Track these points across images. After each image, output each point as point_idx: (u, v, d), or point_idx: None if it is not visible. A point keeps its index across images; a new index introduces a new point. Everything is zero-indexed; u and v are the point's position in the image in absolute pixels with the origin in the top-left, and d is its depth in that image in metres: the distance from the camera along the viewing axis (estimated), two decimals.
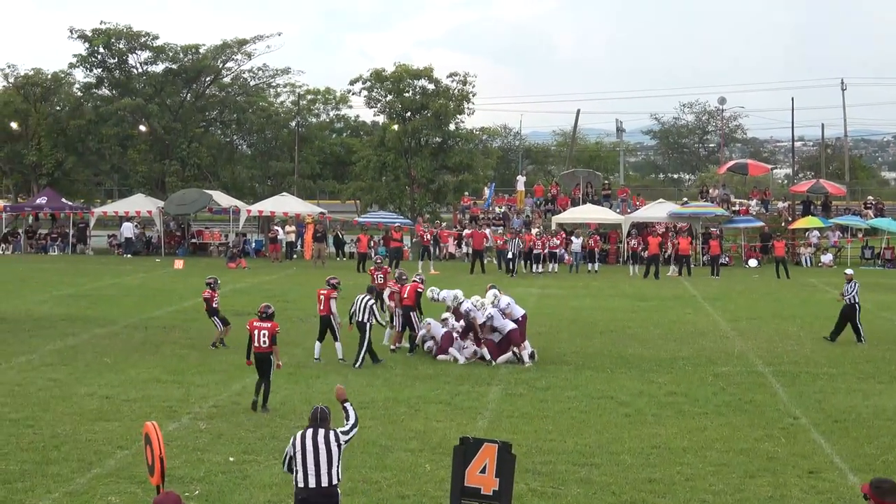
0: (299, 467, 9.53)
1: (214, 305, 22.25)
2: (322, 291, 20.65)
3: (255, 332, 16.32)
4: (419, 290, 22.32)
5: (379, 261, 24.86)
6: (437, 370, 19.76)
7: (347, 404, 10.33)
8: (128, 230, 50.59)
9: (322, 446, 9.57)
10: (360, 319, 20.15)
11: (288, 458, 9.73)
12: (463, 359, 20.62)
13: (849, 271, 25.01)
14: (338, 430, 9.82)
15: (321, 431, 9.70)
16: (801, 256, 47.52)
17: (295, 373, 18.93)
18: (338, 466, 9.60)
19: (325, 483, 9.49)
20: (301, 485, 9.52)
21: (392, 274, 25.28)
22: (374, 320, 20.18)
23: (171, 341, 22.91)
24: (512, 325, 20.76)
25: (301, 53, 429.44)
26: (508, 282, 35.08)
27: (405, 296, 22.11)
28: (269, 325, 16.35)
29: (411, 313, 22.03)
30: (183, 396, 17.25)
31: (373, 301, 20.33)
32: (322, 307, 20.48)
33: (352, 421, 10.11)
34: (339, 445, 9.67)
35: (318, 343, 20.68)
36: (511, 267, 40.11)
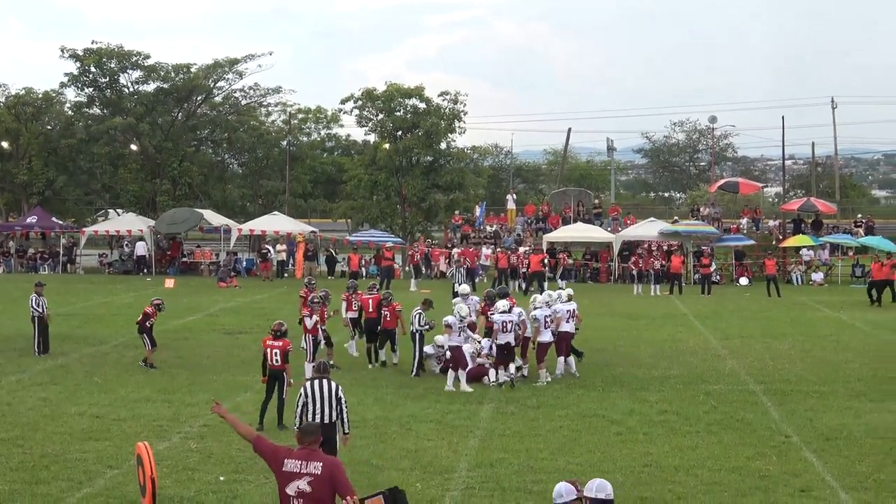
0: (310, 409, 12.29)
1: (149, 324, 22.11)
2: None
3: (269, 350, 16.56)
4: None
5: (324, 295, 22.35)
6: (427, 388, 19.74)
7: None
8: (141, 248, 50.58)
9: (326, 393, 12.34)
10: (413, 330, 21.25)
11: (301, 403, 12.35)
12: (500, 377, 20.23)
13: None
14: (338, 385, 12.48)
15: (325, 381, 12.42)
16: (792, 275, 47.65)
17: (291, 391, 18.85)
18: (337, 409, 12.34)
19: (327, 420, 12.28)
20: (310, 421, 12.14)
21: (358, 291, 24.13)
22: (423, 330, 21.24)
23: (161, 360, 22.85)
24: (548, 338, 20.80)
25: (293, 73, 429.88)
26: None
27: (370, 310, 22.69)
28: (282, 343, 16.54)
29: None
30: (173, 416, 17.21)
31: (421, 311, 21.48)
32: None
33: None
34: (339, 399, 12.37)
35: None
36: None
